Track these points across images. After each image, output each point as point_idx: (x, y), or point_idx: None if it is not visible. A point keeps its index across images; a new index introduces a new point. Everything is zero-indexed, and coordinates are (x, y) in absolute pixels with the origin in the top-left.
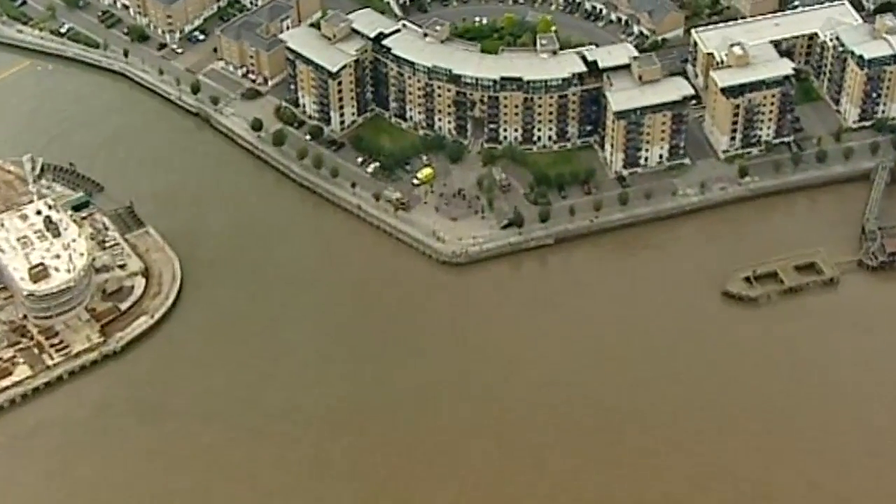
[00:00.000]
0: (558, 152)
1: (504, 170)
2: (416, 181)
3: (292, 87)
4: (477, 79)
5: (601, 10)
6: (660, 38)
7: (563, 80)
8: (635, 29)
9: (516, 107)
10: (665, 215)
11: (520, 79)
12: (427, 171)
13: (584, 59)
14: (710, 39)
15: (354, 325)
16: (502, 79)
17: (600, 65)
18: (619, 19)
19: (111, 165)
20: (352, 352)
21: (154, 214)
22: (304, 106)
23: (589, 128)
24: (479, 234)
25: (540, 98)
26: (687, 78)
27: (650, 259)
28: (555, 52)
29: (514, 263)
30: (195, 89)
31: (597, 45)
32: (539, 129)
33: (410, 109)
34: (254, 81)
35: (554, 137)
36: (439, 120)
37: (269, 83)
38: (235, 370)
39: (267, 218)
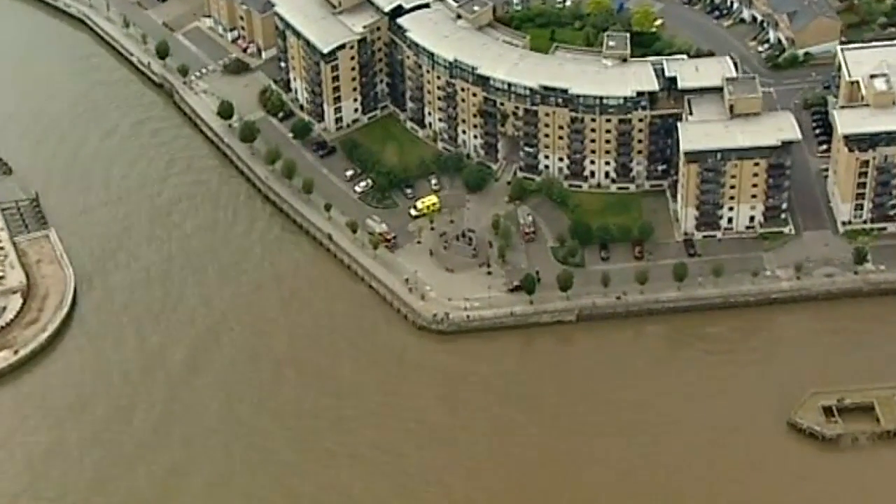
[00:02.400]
0: (616, 196)
1: (535, 210)
2: (414, 211)
3: (283, 65)
4: (509, 84)
5: (732, 5)
6: (801, 51)
7: (625, 99)
8: (771, 35)
9: (561, 128)
10: (737, 303)
11: (565, 91)
12: (431, 199)
13: (660, 72)
14: (860, 63)
15: (276, 400)
16: (543, 88)
17: (680, 84)
18: (754, 19)
19: (30, 142)
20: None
21: (65, 213)
22: (295, 92)
23: (662, 167)
24: (477, 295)
25: (593, 119)
26: (823, 113)
27: (701, 359)
28: (624, 60)
29: (515, 343)
30: (162, 53)
31: (708, 53)
32: (593, 162)
33: (429, 114)
34: (244, 50)
35: (613, 175)
36: (463, 133)
37: (263, 55)
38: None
39: (210, 237)
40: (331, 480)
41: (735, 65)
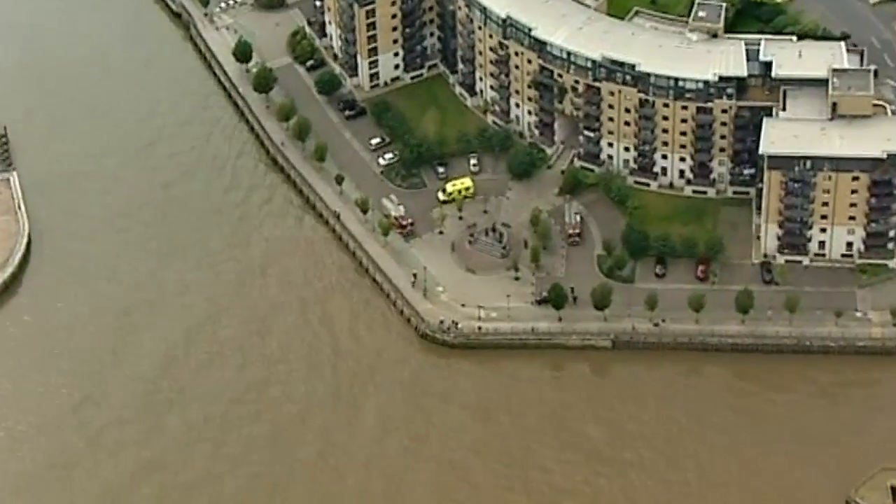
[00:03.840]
0: (690, 201)
1: (588, 208)
2: (442, 195)
3: (318, 3)
4: (569, 53)
5: None
6: None
7: (706, 83)
8: None
9: (628, 111)
10: (813, 347)
11: (633, 67)
12: (464, 182)
13: (755, 55)
14: None
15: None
16: (607, 61)
17: (774, 71)
18: None
19: (17, 68)
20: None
21: (39, 154)
22: (330, 38)
23: (749, 171)
24: (497, 303)
25: (666, 105)
26: None
27: (756, 411)
28: (714, 35)
29: (533, 367)
30: None
31: (841, 37)
32: (665, 157)
33: (481, 79)
34: None
35: (688, 175)
36: (517, 106)
37: None
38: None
39: (200, 200)
40: None
41: (861, 54)
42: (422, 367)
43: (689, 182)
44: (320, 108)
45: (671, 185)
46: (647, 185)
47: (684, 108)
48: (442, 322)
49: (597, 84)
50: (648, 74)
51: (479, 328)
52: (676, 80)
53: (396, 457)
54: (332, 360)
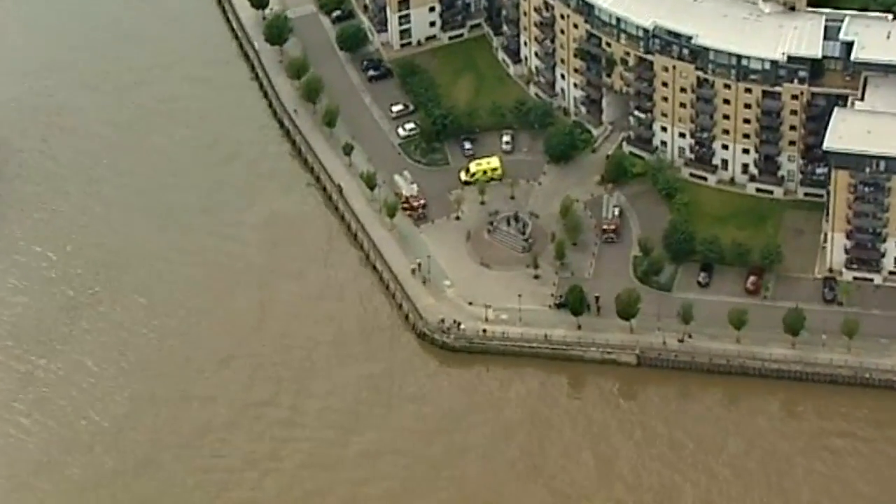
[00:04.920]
0: (753, 200)
1: (632, 201)
2: (464, 175)
3: None
4: (618, 18)
5: None
6: None
7: (773, 64)
8: None
9: (683, 91)
10: (873, 381)
11: (689, 39)
12: (491, 162)
13: (832, 32)
14: None
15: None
16: (662, 31)
17: (854, 53)
18: None
19: None
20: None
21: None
22: None
23: (823, 170)
24: (508, 304)
25: (727, 86)
26: None
27: (798, 450)
28: (792, 8)
29: (541, 380)
30: None
31: None
32: (726, 147)
33: (525, 44)
34: None
35: (753, 170)
36: (562, 77)
37: None
38: None
39: (186, 159)
40: None
41: None
42: (409, 371)
43: (752, 179)
44: (340, 66)
45: (732, 181)
46: (704, 179)
47: (748, 90)
48: (442, 321)
49: (649, 57)
50: (707, 49)
51: (484, 331)
52: (739, 57)
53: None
54: (310, 355)
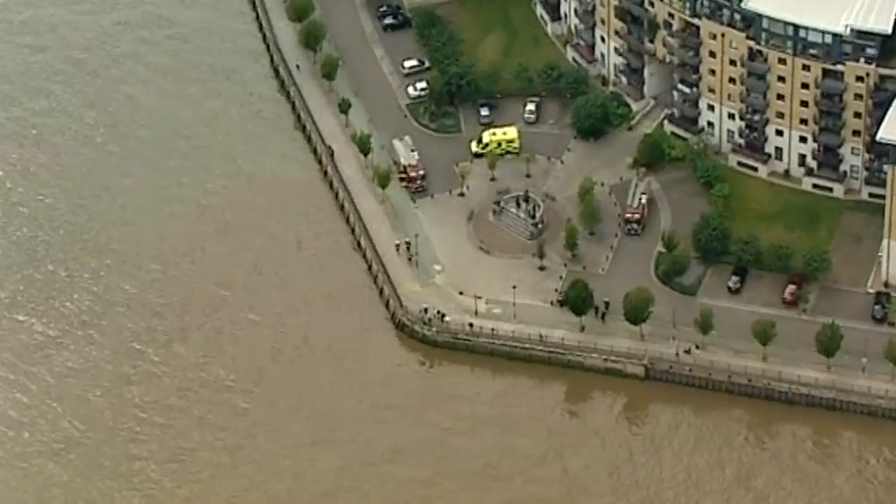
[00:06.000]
0: (808, 197)
1: (668, 189)
2: (475, 145)
3: None
4: None
5: None
6: None
7: (835, 37)
8: None
9: (733, 63)
10: None
11: (740, 2)
12: (508, 133)
13: None
14: None
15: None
16: None
17: None
18: None
19: None
20: None
21: None
22: None
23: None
24: (503, 297)
25: (782, 62)
26: None
27: (825, 490)
28: None
29: (531, 389)
30: None
31: None
32: (780, 133)
33: (565, 3)
34: None
35: (811, 162)
36: (602, 40)
37: None
38: None
39: (168, 106)
40: None
41: None
42: (377, 367)
43: (810, 172)
44: (353, 11)
45: (787, 174)
46: (755, 169)
47: (806, 68)
48: (425, 311)
49: (696, 21)
50: (761, 16)
51: (471, 325)
52: (796, 27)
53: None
54: (271, 340)
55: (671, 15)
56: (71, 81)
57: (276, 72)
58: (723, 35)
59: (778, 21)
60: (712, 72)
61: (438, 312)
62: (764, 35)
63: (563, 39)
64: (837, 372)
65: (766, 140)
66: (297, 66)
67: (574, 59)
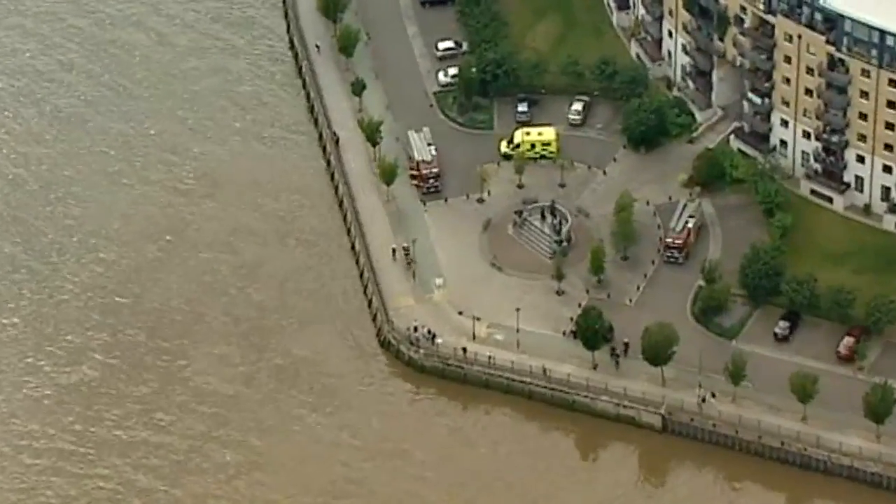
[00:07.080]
0: (888, 238)
1: (723, 214)
2: (504, 145)
3: None
4: None
5: None
6: None
7: None
8: None
9: (810, 71)
10: None
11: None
12: (545, 134)
13: None
14: None
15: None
16: None
17: None
18: None
19: None
20: None
21: None
22: None
23: None
24: (507, 321)
25: (866, 74)
26: None
27: None
28: None
29: (527, 434)
30: None
31: None
32: (861, 160)
33: None
34: None
35: None
36: (669, 36)
37: None
38: None
39: (169, 82)
40: None
41: None
42: (348, 393)
43: (894, 209)
44: None
45: (866, 209)
46: (829, 200)
47: (893, 83)
48: (414, 330)
49: (771, 18)
50: (842, 17)
51: (464, 350)
52: (883, 33)
53: None
54: (240, 348)
55: (743, 9)
56: (81, 35)
57: (291, 43)
58: (800, 37)
59: (863, 25)
60: (787, 80)
61: (429, 332)
62: (846, 40)
63: (628, 32)
64: (887, 442)
65: (845, 167)
66: (317, 47)
67: (637, 56)
